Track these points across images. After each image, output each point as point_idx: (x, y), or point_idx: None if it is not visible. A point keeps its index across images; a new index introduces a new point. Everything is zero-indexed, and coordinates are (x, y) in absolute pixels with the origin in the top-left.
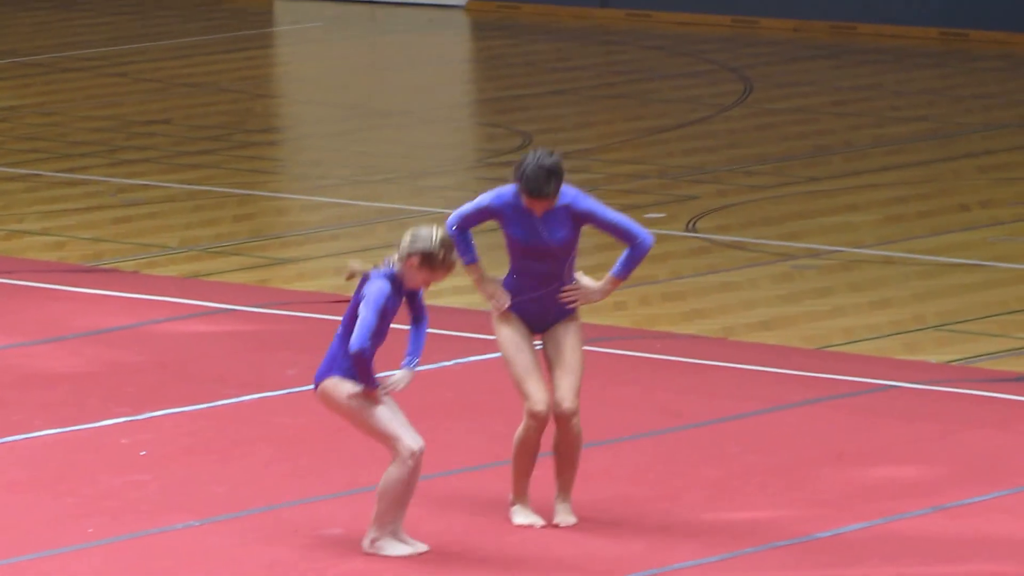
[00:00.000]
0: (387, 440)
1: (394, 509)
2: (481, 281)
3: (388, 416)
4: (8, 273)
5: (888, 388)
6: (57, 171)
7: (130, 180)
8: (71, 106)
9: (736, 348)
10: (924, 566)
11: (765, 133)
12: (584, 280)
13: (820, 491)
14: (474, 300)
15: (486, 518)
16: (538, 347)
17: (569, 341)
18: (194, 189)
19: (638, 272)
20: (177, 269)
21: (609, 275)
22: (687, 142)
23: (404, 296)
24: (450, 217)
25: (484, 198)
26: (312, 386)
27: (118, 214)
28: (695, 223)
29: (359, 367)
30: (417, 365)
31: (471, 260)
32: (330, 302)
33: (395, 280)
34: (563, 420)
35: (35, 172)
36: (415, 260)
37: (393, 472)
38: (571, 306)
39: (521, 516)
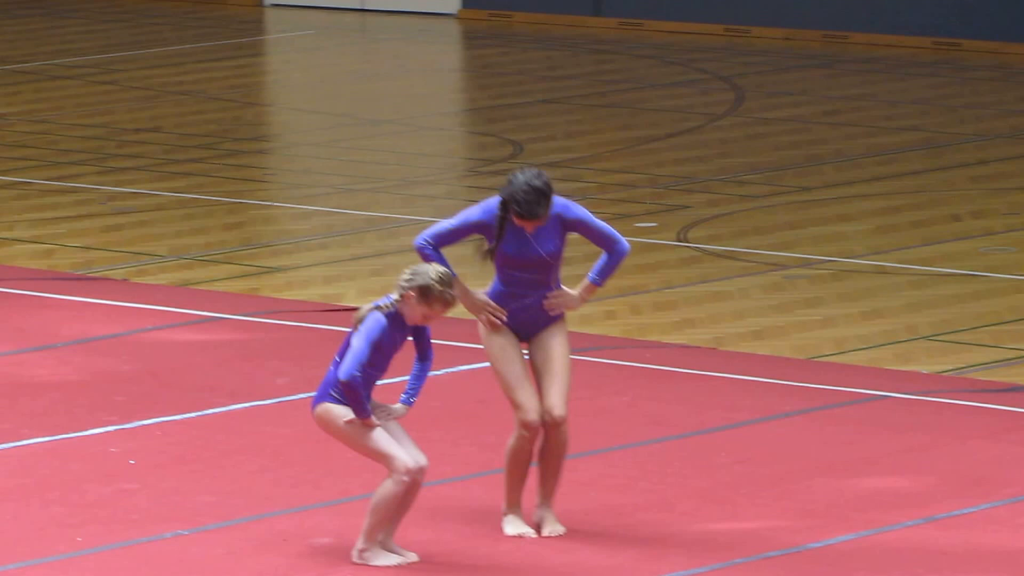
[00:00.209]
0: (382, 459)
1: (384, 524)
2: (465, 295)
3: (383, 436)
4: None
5: (879, 398)
6: (47, 179)
7: (120, 188)
8: (61, 114)
9: (727, 358)
10: None
11: (757, 142)
12: (561, 288)
13: (810, 502)
14: (460, 310)
15: (475, 528)
16: (525, 355)
17: (557, 347)
18: (184, 197)
19: (629, 282)
20: (167, 277)
21: (586, 281)
22: (678, 151)
23: (409, 333)
24: (423, 235)
25: (472, 213)
26: (305, 395)
27: (108, 222)
28: (686, 233)
29: (349, 395)
30: (413, 404)
31: (452, 276)
32: (320, 311)
33: (394, 316)
34: (553, 427)
35: (25, 180)
36: (413, 295)
37: (388, 488)
38: (553, 313)
39: (513, 527)
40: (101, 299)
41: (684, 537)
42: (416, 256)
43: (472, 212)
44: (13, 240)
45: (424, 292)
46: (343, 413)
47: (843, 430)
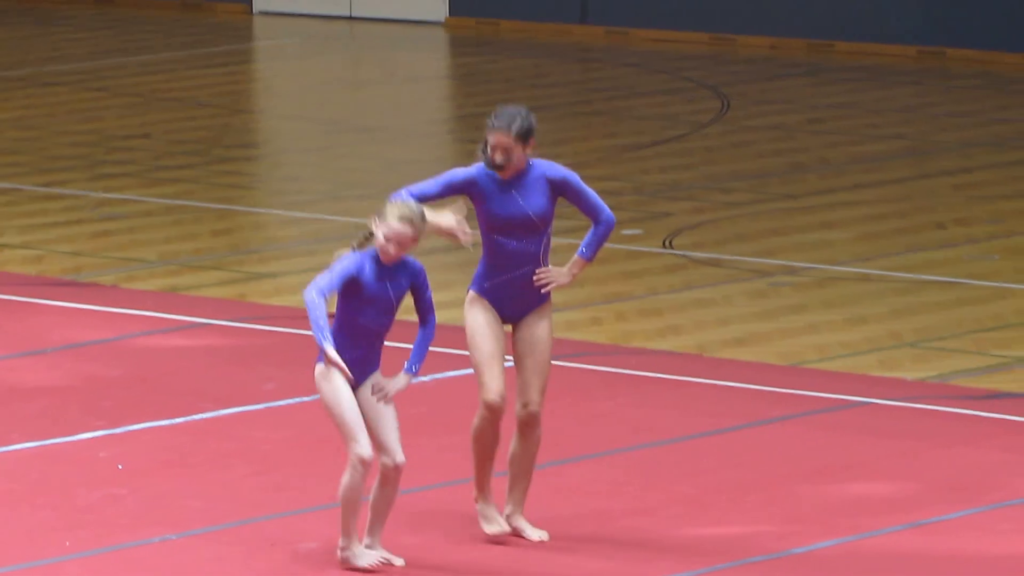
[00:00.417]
0: (344, 438)
1: (350, 516)
2: (434, 218)
3: (352, 415)
4: None
5: (863, 405)
6: (37, 185)
7: (109, 194)
8: (51, 120)
9: (711, 364)
10: None
11: (742, 150)
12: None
13: (794, 507)
14: (449, 316)
15: (461, 534)
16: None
17: (541, 339)
18: (173, 204)
19: (614, 288)
20: (156, 283)
21: (576, 257)
22: (664, 159)
23: (403, 286)
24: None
25: (457, 171)
26: (293, 400)
27: (97, 228)
28: (671, 240)
29: (310, 316)
30: (418, 371)
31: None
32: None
33: (371, 255)
34: (532, 421)
35: (15, 186)
36: (375, 219)
37: (345, 480)
38: (544, 290)
39: (489, 524)
40: (90, 304)
41: (669, 542)
42: None
43: (456, 170)
44: (3, 246)
45: (381, 213)
46: (321, 369)
47: (827, 436)
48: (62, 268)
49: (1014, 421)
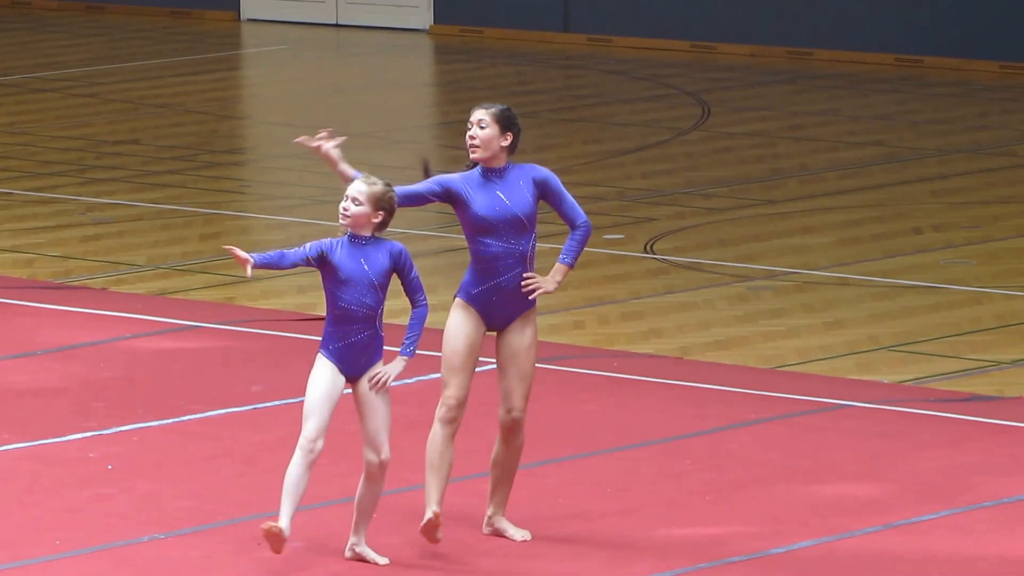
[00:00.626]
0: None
1: (286, 497)
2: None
3: (313, 399)
4: None
5: (841, 407)
6: (27, 189)
7: (99, 199)
8: (42, 126)
9: (692, 367)
10: None
11: (722, 156)
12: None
13: (773, 508)
14: (434, 320)
15: (445, 532)
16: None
17: (525, 346)
18: (162, 208)
19: (597, 292)
20: (144, 287)
21: (558, 264)
22: (646, 165)
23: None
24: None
25: (443, 175)
26: (280, 402)
27: (87, 232)
28: (653, 245)
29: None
30: (412, 354)
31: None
32: (294, 320)
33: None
34: (515, 427)
35: (6, 190)
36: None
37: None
38: (531, 297)
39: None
40: (80, 307)
41: (650, 542)
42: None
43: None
44: None
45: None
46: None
47: (805, 438)
48: (52, 271)
49: (990, 424)
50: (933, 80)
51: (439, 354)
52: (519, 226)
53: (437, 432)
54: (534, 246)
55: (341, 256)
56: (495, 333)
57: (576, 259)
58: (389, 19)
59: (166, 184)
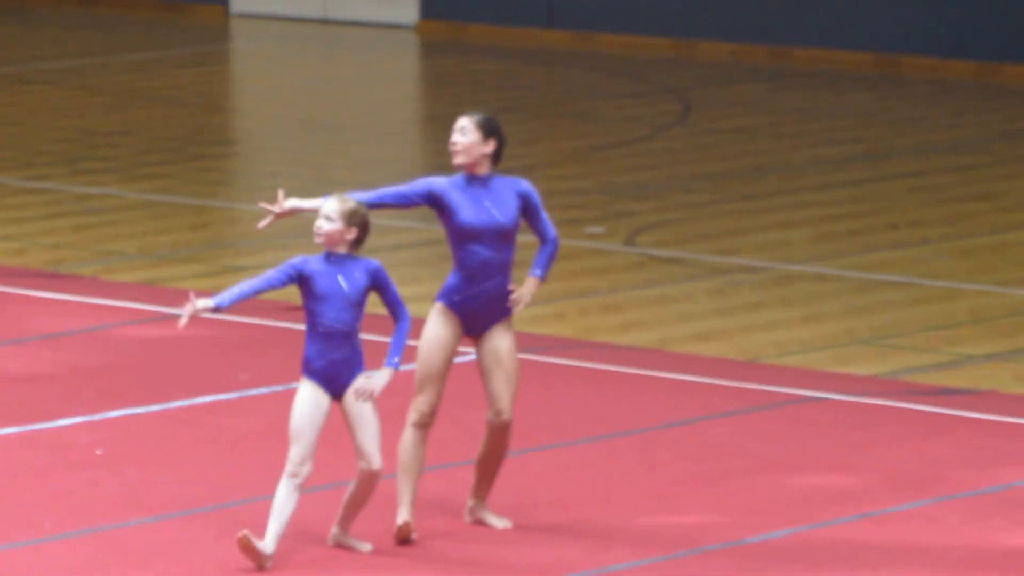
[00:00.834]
0: None
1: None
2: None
3: (297, 425)
4: None
5: (818, 400)
6: (20, 179)
7: (91, 189)
8: (35, 117)
9: (672, 359)
10: (849, 571)
11: (703, 152)
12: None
13: (750, 497)
14: (418, 310)
15: (428, 520)
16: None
17: (507, 350)
18: (152, 199)
19: (578, 284)
20: (135, 275)
21: (530, 278)
22: (628, 160)
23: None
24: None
25: (424, 180)
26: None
27: (78, 222)
28: (634, 238)
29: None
30: (398, 365)
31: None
32: (280, 309)
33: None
34: (503, 429)
35: None
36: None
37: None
38: (515, 312)
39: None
40: (71, 295)
41: (629, 530)
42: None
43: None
44: None
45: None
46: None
47: (782, 429)
48: (44, 260)
49: (964, 416)
50: (911, 79)
51: (415, 343)
52: (504, 235)
53: (410, 436)
54: (514, 254)
55: (316, 271)
56: (473, 339)
57: (547, 272)
58: (376, 14)
59: (156, 175)
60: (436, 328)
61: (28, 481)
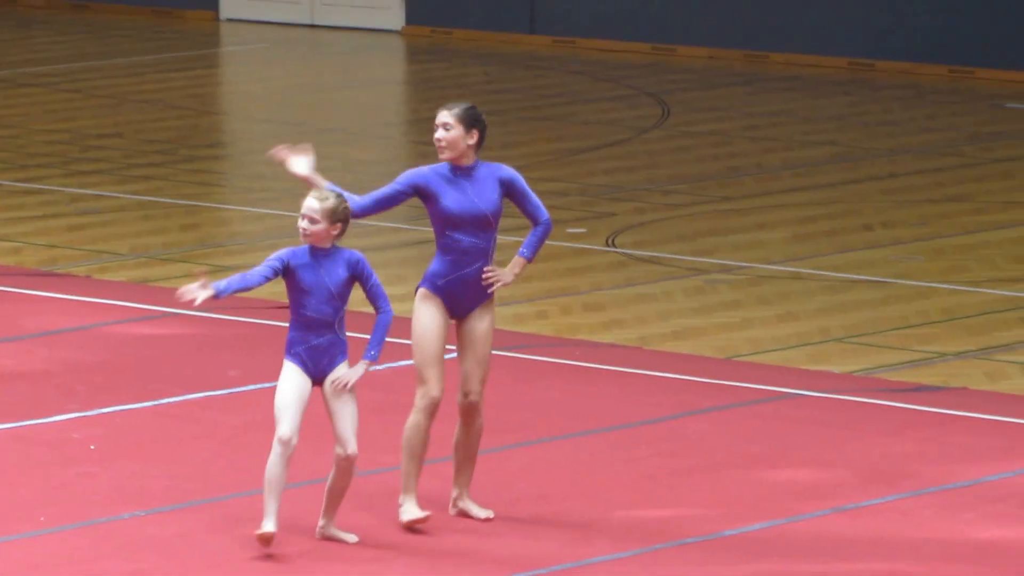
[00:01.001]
0: None
1: (268, 493)
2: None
3: (283, 400)
4: None
5: (793, 396)
6: (15, 180)
7: (84, 190)
8: (29, 120)
9: (651, 356)
10: (824, 563)
11: (681, 155)
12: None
13: (726, 492)
14: (402, 309)
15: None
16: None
17: (483, 334)
18: (144, 200)
19: (560, 284)
20: (127, 275)
21: (517, 257)
22: (607, 162)
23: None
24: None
25: (407, 174)
26: (255, 386)
27: (72, 222)
28: (614, 239)
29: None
30: (375, 358)
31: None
32: (270, 308)
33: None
34: (473, 410)
35: None
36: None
37: (269, 458)
38: (491, 290)
39: (410, 512)
40: (65, 294)
41: (609, 524)
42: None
43: (407, 174)
44: None
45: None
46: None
47: (758, 425)
48: (38, 259)
49: (935, 413)
50: (884, 83)
51: (408, 342)
52: (486, 222)
53: (420, 422)
54: (495, 240)
55: (300, 265)
56: (455, 321)
57: (535, 253)
58: (362, 20)
59: (148, 176)
60: (425, 313)
61: (23, 476)
